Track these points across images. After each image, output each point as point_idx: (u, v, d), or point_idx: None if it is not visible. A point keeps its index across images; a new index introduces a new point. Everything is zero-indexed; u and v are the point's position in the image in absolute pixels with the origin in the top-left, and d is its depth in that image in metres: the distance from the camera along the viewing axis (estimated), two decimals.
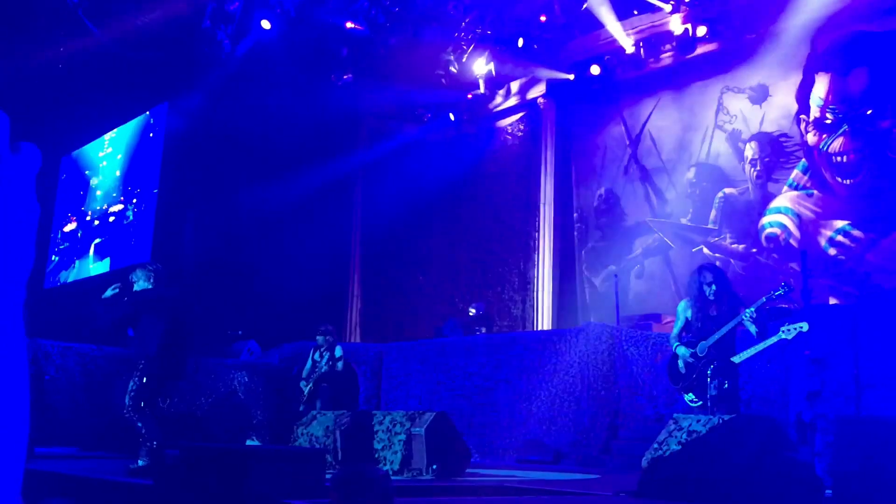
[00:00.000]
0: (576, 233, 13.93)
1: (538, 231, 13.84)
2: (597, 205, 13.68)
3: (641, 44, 12.61)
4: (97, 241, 15.32)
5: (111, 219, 15.16)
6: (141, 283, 6.57)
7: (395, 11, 12.88)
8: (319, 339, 10.09)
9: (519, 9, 12.64)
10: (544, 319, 13.49)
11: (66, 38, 12.48)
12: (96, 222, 15.55)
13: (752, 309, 5.98)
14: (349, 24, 12.95)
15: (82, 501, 5.44)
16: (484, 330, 12.45)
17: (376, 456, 7.21)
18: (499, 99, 14.33)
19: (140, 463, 6.23)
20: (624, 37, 12.32)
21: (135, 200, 14.56)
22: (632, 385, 9.37)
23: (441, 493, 5.75)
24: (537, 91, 14.00)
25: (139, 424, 6.24)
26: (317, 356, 10.14)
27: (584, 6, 12.05)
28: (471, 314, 12.72)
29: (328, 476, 5.10)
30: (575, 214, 13.97)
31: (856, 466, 4.21)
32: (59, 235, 16.60)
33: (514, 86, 14.14)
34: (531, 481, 6.44)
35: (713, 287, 6.16)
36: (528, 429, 9.98)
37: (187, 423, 8.70)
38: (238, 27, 12.54)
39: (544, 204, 13.83)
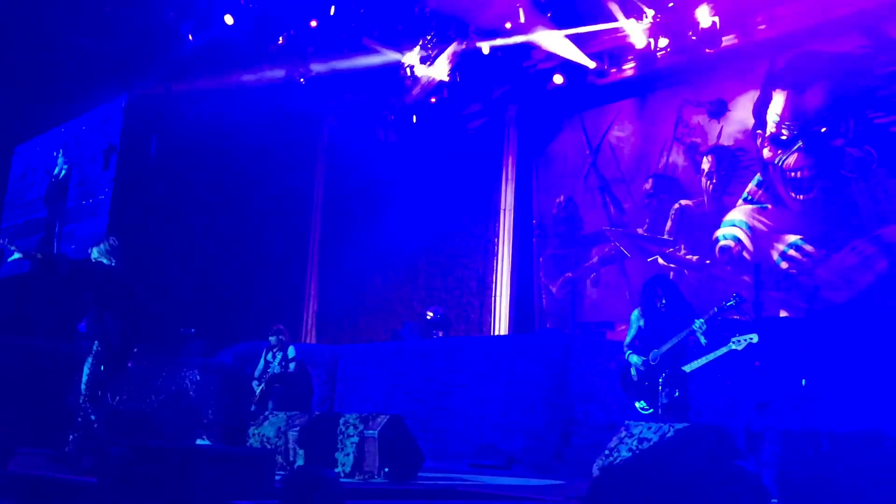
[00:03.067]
0: (534, 239, 14.01)
1: (498, 236, 13.90)
2: (556, 212, 13.78)
3: (604, 55, 12.75)
4: (47, 231, 15.01)
5: (64, 209, 14.87)
6: (103, 261, 6.44)
7: (360, 12, 12.83)
8: (272, 338, 10.01)
9: (484, 15, 12.67)
10: (502, 325, 13.54)
11: (23, 26, 12.22)
12: (50, 212, 15.24)
13: (703, 320, 6.07)
14: (313, 23, 12.87)
15: (23, 500, 5.32)
16: (441, 334, 12.46)
17: (328, 457, 7.15)
18: (461, 104, 14.34)
19: (70, 448, 6.13)
20: (581, 54, 12.48)
21: (89, 196, 14.30)
22: (585, 392, 9.44)
23: (393, 496, 5.73)
24: (500, 98, 14.06)
25: (93, 417, 6.12)
26: (269, 356, 10.05)
27: (548, 15, 12.13)
28: (428, 318, 12.72)
29: (278, 477, 5.05)
30: (534, 221, 14.06)
31: (800, 478, 4.28)
32: (10, 226, 16.24)
33: (477, 92, 14.15)
34: (482, 486, 6.44)
35: (664, 300, 6.26)
36: (482, 433, 10.00)
37: (137, 421, 8.54)
38: (201, 20, 12.39)
39: (504, 210, 13.89)
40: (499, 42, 12.63)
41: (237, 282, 13.71)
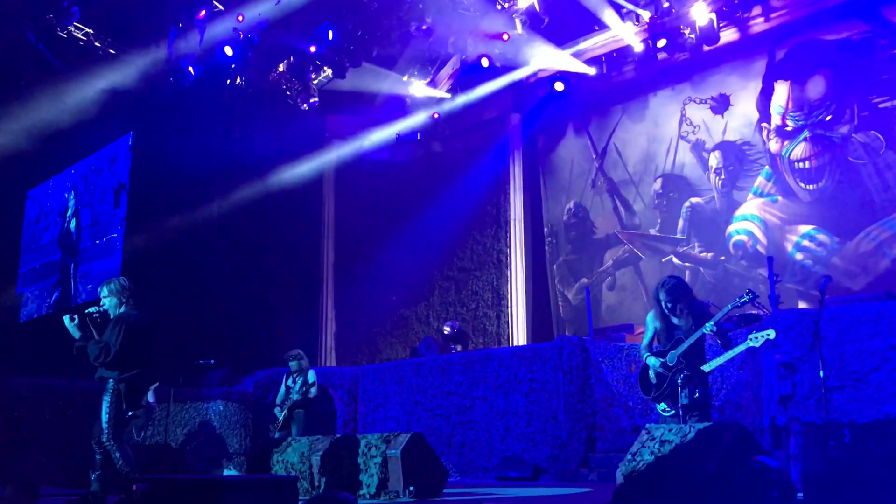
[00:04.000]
0: (547, 247, 14.00)
1: (509, 246, 13.90)
2: (566, 219, 13.77)
3: (603, 59, 12.79)
4: (63, 272, 15.15)
5: (79, 250, 15.01)
6: (112, 299, 6.45)
7: (358, 35, 12.93)
8: (292, 363, 10.02)
9: (482, 28, 12.73)
10: (519, 335, 13.51)
11: (27, 71, 12.39)
12: (64, 254, 15.39)
13: (712, 324, 6.03)
14: (312, 49, 12.97)
15: None
16: (459, 348, 12.44)
17: (353, 480, 7.15)
18: (464, 118, 14.38)
19: (94, 488, 6.16)
20: (581, 63, 12.57)
21: (102, 235, 14.43)
22: (607, 397, 9.39)
23: None
24: (503, 108, 14.10)
25: (117, 455, 6.14)
26: (290, 382, 10.06)
27: (546, 21, 12.19)
28: (445, 332, 12.70)
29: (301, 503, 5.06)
30: (545, 229, 14.05)
31: (823, 470, 4.25)
32: (28, 269, 16.41)
33: (480, 104, 14.20)
34: (506, 499, 6.42)
35: (668, 304, 6.23)
36: (506, 445, 9.96)
37: (161, 455, 8.59)
38: (201, 54, 12.51)
39: (514, 219, 13.90)
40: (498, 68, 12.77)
41: (254, 310, 13.76)
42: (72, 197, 15.68)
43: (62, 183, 16.10)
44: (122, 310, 6.41)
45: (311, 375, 10.02)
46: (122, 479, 5.97)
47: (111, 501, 6.00)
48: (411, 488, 6.73)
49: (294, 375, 10.02)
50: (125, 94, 13.15)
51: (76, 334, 6.31)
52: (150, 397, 10.21)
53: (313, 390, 9.93)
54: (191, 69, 12.64)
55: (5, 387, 10.00)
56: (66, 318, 6.33)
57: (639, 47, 12.06)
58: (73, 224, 15.48)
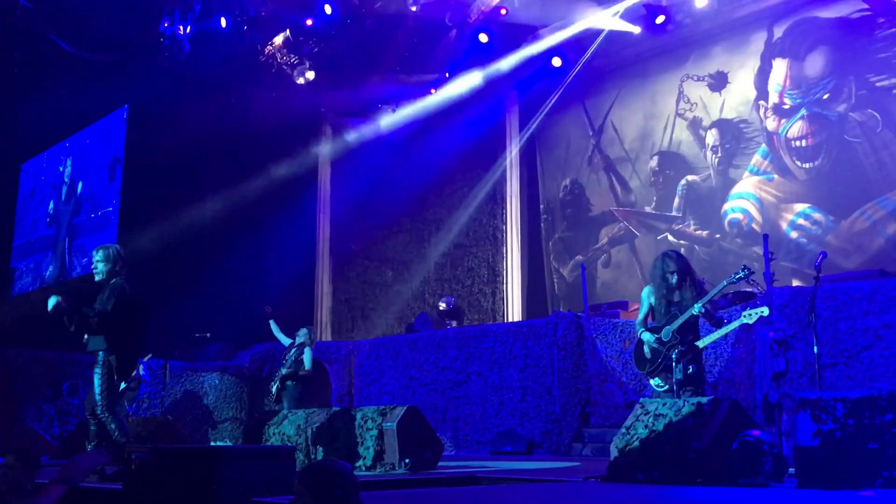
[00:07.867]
0: (543, 224, 14.02)
1: (505, 223, 13.91)
2: (562, 195, 13.78)
3: (602, 35, 12.71)
4: (58, 246, 15.11)
5: (74, 223, 14.96)
6: (107, 265, 6.41)
7: (354, 5, 12.83)
8: (301, 333, 9.94)
9: (480, 2, 12.64)
10: (514, 311, 13.56)
11: (21, 43, 12.27)
12: (59, 228, 15.34)
13: (700, 305, 6.05)
14: (309, 22, 12.87)
15: None
16: (455, 323, 12.47)
17: (349, 452, 7.20)
18: (462, 93, 14.30)
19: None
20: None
21: (97, 209, 14.38)
22: (601, 373, 9.46)
23: (414, 485, 5.77)
24: (500, 85, 14.02)
25: (113, 426, 6.16)
26: (288, 354, 10.05)
27: None
28: (441, 308, 12.73)
29: None
30: (541, 206, 14.06)
31: (815, 445, 4.29)
32: (22, 243, 16.37)
33: (478, 79, 14.12)
34: (502, 471, 6.48)
35: (675, 276, 6.22)
36: (501, 420, 10.03)
37: (156, 427, 8.63)
38: (197, 27, 12.40)
39: (510, 196, 13.90)
40: None
41: (249, 284, 13.75)
42: (66, 170, 15.60)
43: (56, 156, 16.00)
44: (114, 280, 6.38)
45: (308, 352, 9.99)
46: (118, 449, 6.00)
47: (109, 471, 6.03)
48: (407, 461, 6.78)
49: (296, 349, 9.99)
50: (120, 67, 13.03)
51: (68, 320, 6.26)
52: (141, 370, 10.23)
53: (306, 363, 9.88)
54: (186, 40, 12.52)
55: (0, 359, 10.03)
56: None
57: (636, 31, 11.97)
58: (67, 198, 15.41)
